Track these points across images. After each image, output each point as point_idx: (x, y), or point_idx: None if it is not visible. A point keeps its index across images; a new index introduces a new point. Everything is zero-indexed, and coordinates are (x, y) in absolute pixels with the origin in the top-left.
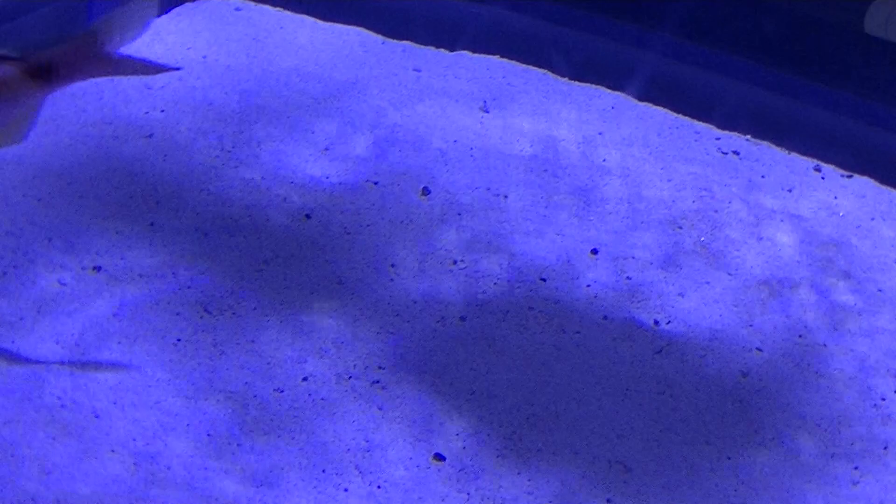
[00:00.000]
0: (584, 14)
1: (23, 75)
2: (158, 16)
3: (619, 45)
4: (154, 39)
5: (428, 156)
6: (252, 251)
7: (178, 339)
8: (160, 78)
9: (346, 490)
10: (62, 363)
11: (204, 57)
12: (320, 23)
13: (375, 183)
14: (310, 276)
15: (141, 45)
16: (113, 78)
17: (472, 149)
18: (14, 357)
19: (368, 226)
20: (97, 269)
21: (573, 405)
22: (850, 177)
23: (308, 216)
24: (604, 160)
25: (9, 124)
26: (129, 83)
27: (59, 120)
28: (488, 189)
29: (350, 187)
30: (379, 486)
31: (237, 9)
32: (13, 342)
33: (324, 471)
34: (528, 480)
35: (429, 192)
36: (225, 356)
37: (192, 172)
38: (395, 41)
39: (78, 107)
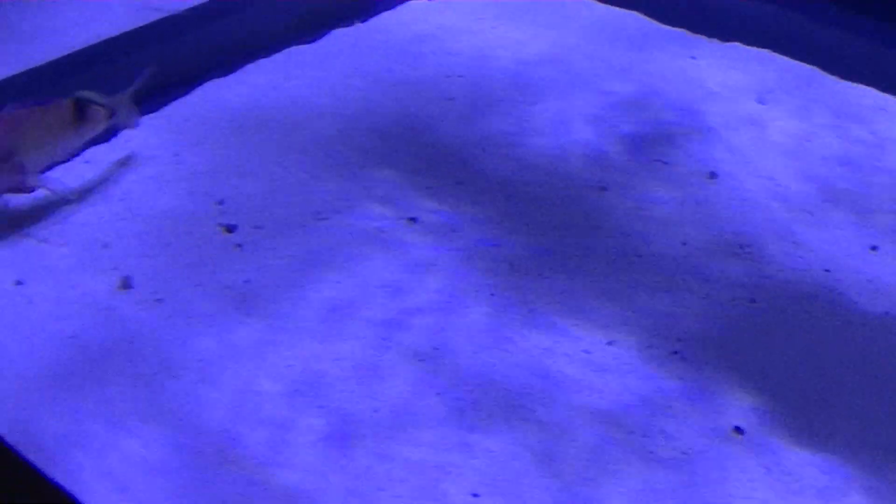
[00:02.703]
0: (855, 16)
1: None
2: None
3: (889, 48)
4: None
5: (711, 141)
6: (551, 217)
7: (492, 294)
8: (458, 45)
9: (650, 451)
10: (383, 302)
11: (495, 27)
12: (598, 4)
13: (665, 163)
14: (608, 247)
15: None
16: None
17: (753, 139)
18: (331, 294)
19: (660, 204)
20: (413, 220)
21: (857, 396)
22: None
23: (604, 189)
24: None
25: None
26: (428, 47)
27: (369, 78)
28: (771, 179)
29: (641, 164)
30: (683, 453)
31: None
32: (337, 281)
33: (631, 432)
34: (823, 461)
35: (716, 176)
36: (535, 314)
37: (492, 137)
38: (669, 27)
39: (384, 66)
